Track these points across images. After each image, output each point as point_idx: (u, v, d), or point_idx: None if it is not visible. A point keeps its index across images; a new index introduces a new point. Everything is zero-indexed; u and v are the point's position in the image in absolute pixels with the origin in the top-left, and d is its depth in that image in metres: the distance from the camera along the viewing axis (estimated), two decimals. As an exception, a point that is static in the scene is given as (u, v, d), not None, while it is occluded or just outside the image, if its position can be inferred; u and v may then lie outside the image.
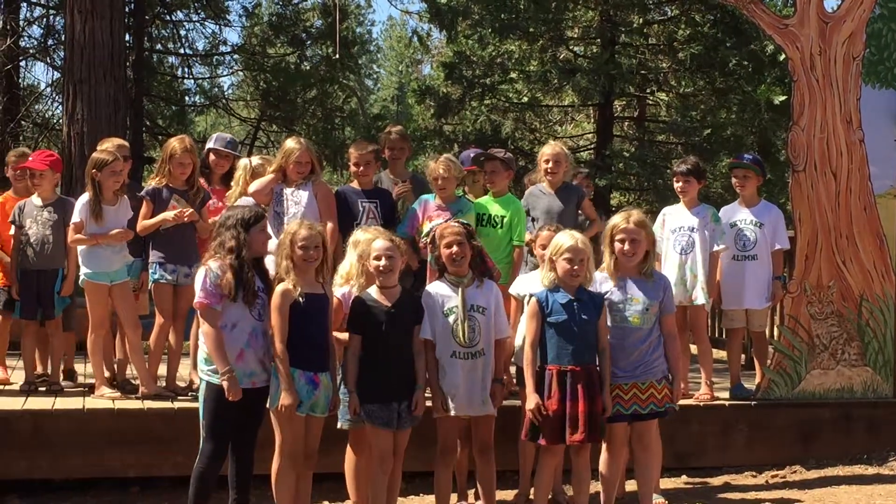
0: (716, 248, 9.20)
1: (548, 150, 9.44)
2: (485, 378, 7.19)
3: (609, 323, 7.23)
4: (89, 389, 8.89)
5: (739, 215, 9.48)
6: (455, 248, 7.14)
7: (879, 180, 9.46)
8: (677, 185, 9.43)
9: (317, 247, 6.84)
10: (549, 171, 9.29)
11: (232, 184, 9.18)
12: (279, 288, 6.76)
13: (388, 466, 6.98)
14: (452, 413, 7.13)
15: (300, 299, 6.73)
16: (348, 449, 7.21)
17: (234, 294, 6.64)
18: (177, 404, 8.43)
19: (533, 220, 9.20)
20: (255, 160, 9.28)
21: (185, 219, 8.66)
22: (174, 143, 8.90)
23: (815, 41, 9.33)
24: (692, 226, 9.25)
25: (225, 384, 6.60)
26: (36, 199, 9.14)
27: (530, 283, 7.77)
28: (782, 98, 17.63)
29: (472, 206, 9.02)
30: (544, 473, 7.26)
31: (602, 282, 7.31)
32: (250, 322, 6.75)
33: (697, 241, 9.20)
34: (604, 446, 7.28)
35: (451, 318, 7.10)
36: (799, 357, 9.38)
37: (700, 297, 9.17)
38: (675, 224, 9.33)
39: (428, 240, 8.56)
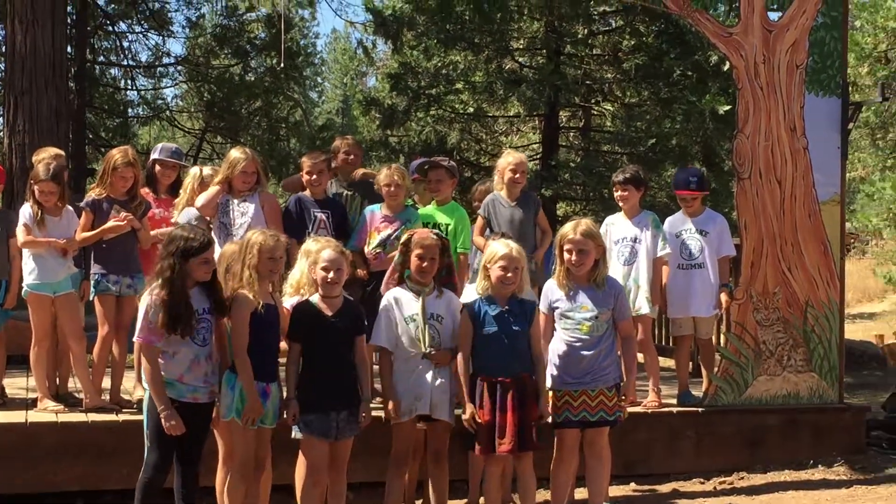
0: (659, 253, 9.23)
1: (512, 158, 9.35)
2: (447, 384, 7.21)
3: (560, 331, 7.25)
4: (32, 403, 8.76)
5: (684, 226, 9.52)
6: (426, 264, 7.17)
7: (824, 187, 9.55)
8: (617, 195, 9.45)
9: (281, 257, 6.88)
10: (515, 180, 9.23)
11: (181, 191, 9.13)
12: (240, 298, 6.72)
13: (321, 479, 6.95)
14: (418, 412, 7.13)
15: (261, 310, 6.70)
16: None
17: (168, 331, 6.58)
18: (121, 417, 8.33)
19: (492, 230, 9.14)
20: (206, 170, 9.23)
21: (124, 223, 8.54)
22: (116, 154, 8.79)
23: (758, 49, 9.40)
24: (635, 236, 9.29)
25: (163, 423, 6.57)
26: (-23, 212, 9.03)
27: (470, 296, 7.79)
28: (726, 108, 17.74)
29: (419, 215, 9.01)
30: (491, 482, 7.28)
31: (552, 290, 7.32)
32: (193, 350, 6.71)
33: (640, 252, 9.25)
34: (554, 453, 7.29)
35: (411, 326, 7.11)
36: (746, 363, 9.43)
37: (644, 306, 9.21)
38: (618, 235, 9.36)
39: (381, 250, 8.59)
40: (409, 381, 7.16)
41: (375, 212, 8.94)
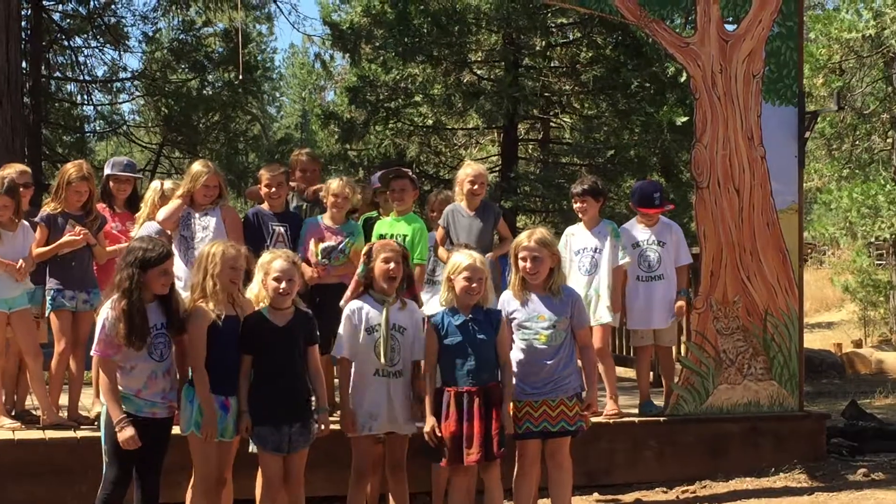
0: (619, 262, 9.24)
1: (470, 170, 9.36)
2: (407, 397, 7.19)
3: (518, 341, 7.23)
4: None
5: (641, 236, 9.52)
6: (392, 266, 7.14)
7: (781, 196, 9.59)
8: (576, 206, 9.46)
9: (242, 267, 6.85)
10: (473, 191, 9.23)
11: (141, 205, 9.07)
12: (197, 311, 6.68)
13: (276, 493, 6.89)
14: (373, 432, 7.11)
15: (219, 322, 6.65)
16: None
17: (125, 343, 6.52)
18: (79, 433, 8.23)
19: (452, 241, 9.13)
20: (168, 183, 9.18)
21: (80, 237, 8.47)
22: (71, 168, 8.72)
23: (715, 59, 9.45)
24: (595, 246, 9.29)
25: (118, 436, 6.50)
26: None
27: (434, 307, 7.76)
28: (684, 119, 17.87)
29: (361, 228, 9.03)
30: (456, 494, 7.23)
31: (509, 300, 7.30)
32: (150, 365, 6.65)
33: (601, 262, 9.25)
34: (516, 464, 7.26)
35: (373, 336, 7.08)
36: (706, 372, 9.45)
37: (604, 315, 9.20)
38: (579, 245, 9.36)
39: (327, 261, 8.54)
40: (363, 398, 7.13)
41: (318, 223, 8.92)
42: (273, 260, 6.95)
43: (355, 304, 7.23)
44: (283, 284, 6.85)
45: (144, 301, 6.58)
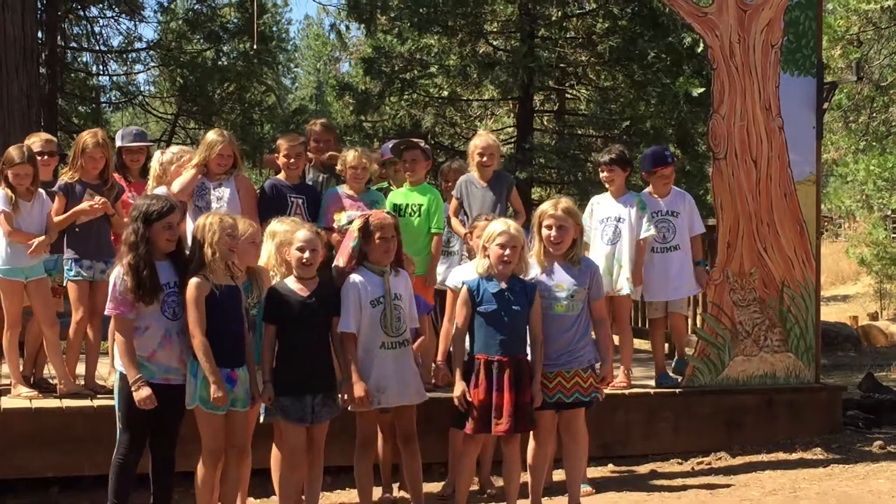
0: (643, 235, 9.20)
1: (480, 141, 9.29)
2: (413, 366, 7.18)
3: (535, 310, 7.22)
4: (6, 389, 8.67)
5: (655, 208, 9.45)
6: (389, 242, 7.09)
7: (799, 167, 9.56)
8: (602, 175, 9.42)
9: (239, 236, 6.81)
10: (483, 163, 9.19)
11: (149, 177, 9.08)
12: (193, 281, 6.63)
13: (298, 463, 6.89)
14: (382, 405, 7.06)
15: (216, 291, 6.63)
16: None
17: (134, 297, 6.50)
18: (96, 402, 8.25)
19: (465, 212, 9.12)
20: (172, 149, 9.20)
21: (98, 206, 8.47)
22: (86, 137, 8.70)
23: (734, 29, 9.39)
24: (619, 216, 9.25)
25: (134, 396, 6.49)
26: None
27: (469, 274, 7.72)
28: (700, 90, 17.81)
29: (382, 195, 9.02)
30: (465, 461, 7.21)
31: (529, 268, 7.27)
32: (164, 323, 6.63)
33: (624, 232, 9.21)
34: (531, 435, 7.24)
35: (377, 309, 7.03)
36: (722, 344, 9.44)
37: (625, 287, 9.18)
38: (603, 214, 9.33)
39: (349, 226, 8.50)
40: (370, 372, 7.03)
41: (339, 192, 8.92)
42: (296, 230, 6.94)
43: (355, 278, 7.09)
44: (307, 254, 6.84)
45: (154, 257, 6.58)
